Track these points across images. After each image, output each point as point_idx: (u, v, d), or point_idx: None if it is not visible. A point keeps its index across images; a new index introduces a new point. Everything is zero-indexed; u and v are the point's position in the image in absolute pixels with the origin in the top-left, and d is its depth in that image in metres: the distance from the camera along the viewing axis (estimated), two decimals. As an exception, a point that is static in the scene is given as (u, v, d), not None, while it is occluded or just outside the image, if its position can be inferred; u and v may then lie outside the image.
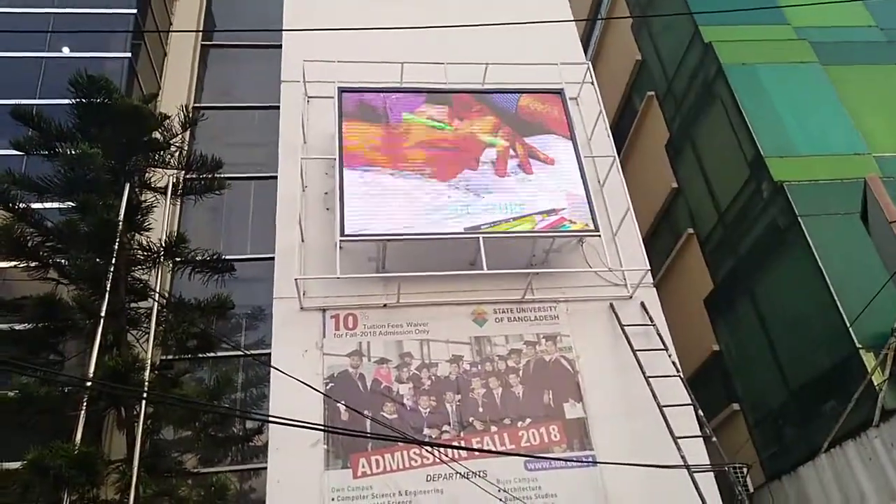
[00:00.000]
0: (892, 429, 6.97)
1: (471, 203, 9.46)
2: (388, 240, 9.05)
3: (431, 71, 10.80)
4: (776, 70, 11.52)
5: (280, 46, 11.81)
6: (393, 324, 8.98)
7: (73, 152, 10.15)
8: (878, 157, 10.34)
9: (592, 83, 11.35)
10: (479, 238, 8.99)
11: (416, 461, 7.90)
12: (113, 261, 9.82)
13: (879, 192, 8.00)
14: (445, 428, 8.26)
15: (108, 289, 9.72)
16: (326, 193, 9.84)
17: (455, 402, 8.45)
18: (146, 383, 9.30)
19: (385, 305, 9.05)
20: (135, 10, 15.94)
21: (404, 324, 9.00)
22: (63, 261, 10.30)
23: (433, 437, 8.14)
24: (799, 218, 9.54)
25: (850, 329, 8.48)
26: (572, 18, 12.83)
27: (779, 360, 10.03)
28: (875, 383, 7.88)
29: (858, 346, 8.39)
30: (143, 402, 9.33)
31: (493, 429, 8.30)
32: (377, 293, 9.12)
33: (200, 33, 18.42)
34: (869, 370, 8.05)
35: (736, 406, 10.83)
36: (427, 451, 7.87)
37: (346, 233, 8.88)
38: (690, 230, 12.32)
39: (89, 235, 9.86)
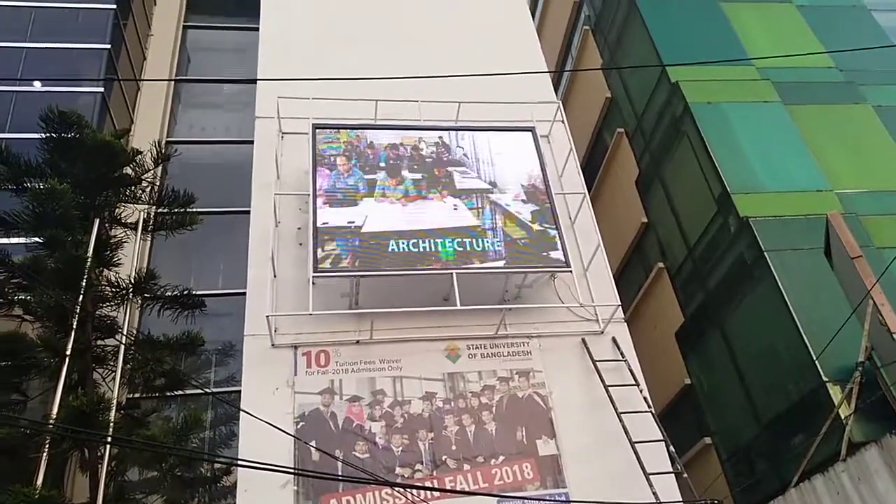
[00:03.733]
0: (858, 463, 7.04)
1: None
2: (362, 275, 9.03)
3: (405, 107, 10.93)
4: (741, 108, 11.86)
5: (255, 81, 11.87)
6: (366, 360, 8.91)
7: (42, 187, 10.03)
8: (840, 194, 10.63)
9: (563, 122, 11.56)
10: (452, 274, 9.02)
11: (388, 502, 7.78)
12: (80, 298, 9.66)
13: (841, 229, 8.22)
14: (418, 467, 8.17)
15: (74, 326, 9.54)
16: (299, 229, 9.82)
17: (428, 440, 8.37)
18: (111, 424, 9.07)
19: (358, 342, 8.99)
20: (108, 46, 15.93)
21: (377, 360, 8.94)
22: (29, 297, 10.10)
23: (405, 476, 8.04)
24: (765, 253, 9.74)
25: (817, 362, 8.61)
26: (545, 70, 13.12)
27: (749, 394, 10.13)
28: (842, 417, 7.98)
29: (825, 379, 8.52)
30: (108, 444, 9.10)
31: (466, 467, 8.23)
32: (350, 329, 9.06)
33: (174, 68, 18.46)
34: (836, 403, 8.16)
35: (708, 440, 10.88)
36: (399, 491, 7.76)
37: (318, 269, 8.85)
38: (661, 264, 12.50)
39: (56, 272, 9.70)
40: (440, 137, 10.65)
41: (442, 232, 9.50)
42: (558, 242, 9.66)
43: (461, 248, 9.37)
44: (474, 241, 9.50)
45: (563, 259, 9.51)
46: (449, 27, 13.30)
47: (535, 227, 9.82)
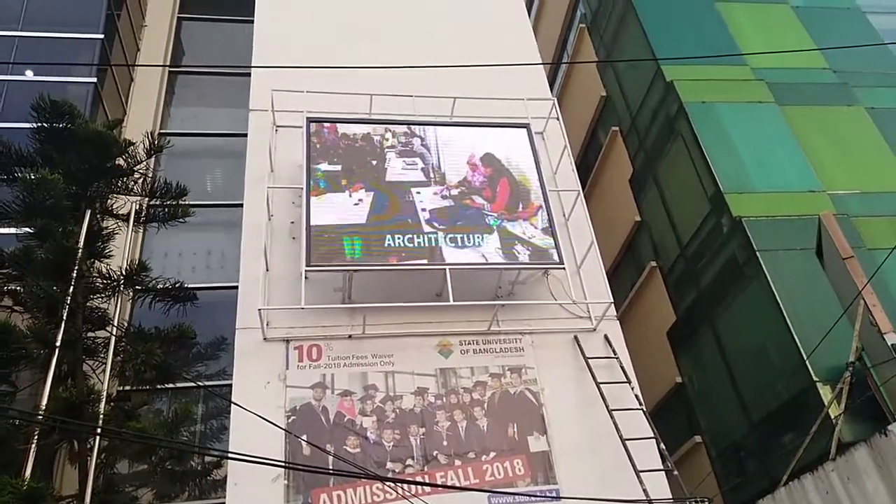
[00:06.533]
0: (847, 463, 7.08)
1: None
2: (355, 270, 9.01)
3: (400, 102, 10.90)
4: (735, 109, 11.89)
5: (249, 74, 11.81)
6: (358, 355, 8.89)
7: (33, 177, 9.95)
8: (832, 195, 10.68)
9: (558, 118, 11.56)
10: (445, 269, 9.01)
11: (378, 496, 7.77)
12: (70, 289, 9.59)
13: (833, 230, 8.25)
14: (409, 462, 8.16)
15: (64, 317, 9.47)
16: (293, 223, 9.77)
17: (419, 435, 8.37)
18: (101, 416, 9.02)
19: (350, 336, 8.97)
20: (101, 36, 15.79)
21: (369, 355, 8.91)
22: (18, 288, 10.02)
23: (396, 471, 8.03)
24: (757, 252, 9.77)
25: (807, 362, 8.65)
26: (540, 62, 13.11)
27: (740, 393, 10.18)
28: (832, 416, 8.03)
29: (815, 379, 8.57)
30: (98, 435, 9.05)
31: (458, 463, 8.23)
32: (342, 324, 9.04)
33: (168, 60, 18.34)
34: (826, 403, 8.20)
35: (698, 438, 10.93)
36: (389, 486, 7.76)
37: (311, 263, 8.82)
38: (653, 263, 12.53)
39: (47, 262, 9.62)
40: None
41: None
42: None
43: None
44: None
45: (556, 256, 9.51)
46: (445, 23, 13.27)
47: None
